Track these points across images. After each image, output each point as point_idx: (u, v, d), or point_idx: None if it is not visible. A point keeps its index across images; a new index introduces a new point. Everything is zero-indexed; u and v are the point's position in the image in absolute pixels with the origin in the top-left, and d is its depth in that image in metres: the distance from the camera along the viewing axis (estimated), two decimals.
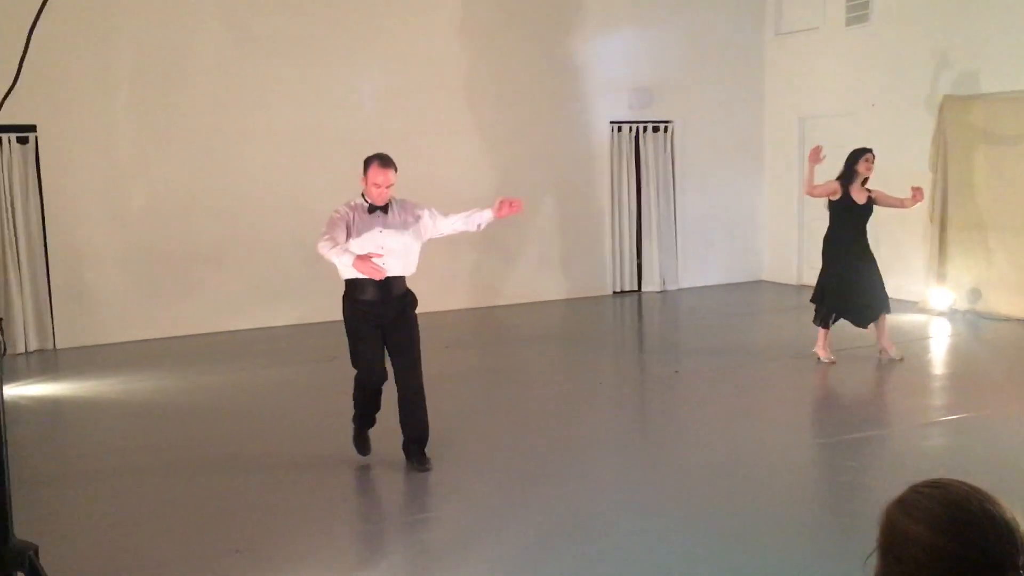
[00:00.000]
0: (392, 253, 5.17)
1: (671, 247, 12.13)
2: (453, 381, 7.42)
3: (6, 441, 2.62)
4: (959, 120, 9.62)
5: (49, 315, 9.21)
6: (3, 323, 8.73)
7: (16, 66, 2.48)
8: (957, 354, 8.43)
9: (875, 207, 7.62)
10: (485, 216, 5.44)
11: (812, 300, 7.92)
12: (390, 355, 5.37)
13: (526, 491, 5.05)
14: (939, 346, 8.71)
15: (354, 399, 5.51)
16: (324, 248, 4.98)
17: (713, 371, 7.79)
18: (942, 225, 9.80)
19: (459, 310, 10.76)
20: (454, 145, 10.76)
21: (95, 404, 7.23)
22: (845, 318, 7.73)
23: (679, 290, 12.08)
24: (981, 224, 9.60)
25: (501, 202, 5.35)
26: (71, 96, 9.12)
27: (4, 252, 8.97)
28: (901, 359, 7.70)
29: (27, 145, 9.04)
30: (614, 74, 11.60)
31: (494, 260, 11.11)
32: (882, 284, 7.67)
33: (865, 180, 7.54)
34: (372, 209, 5.21)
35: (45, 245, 9.19)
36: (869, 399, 7.13)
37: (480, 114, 10.92)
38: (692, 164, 12.19)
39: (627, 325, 11.07)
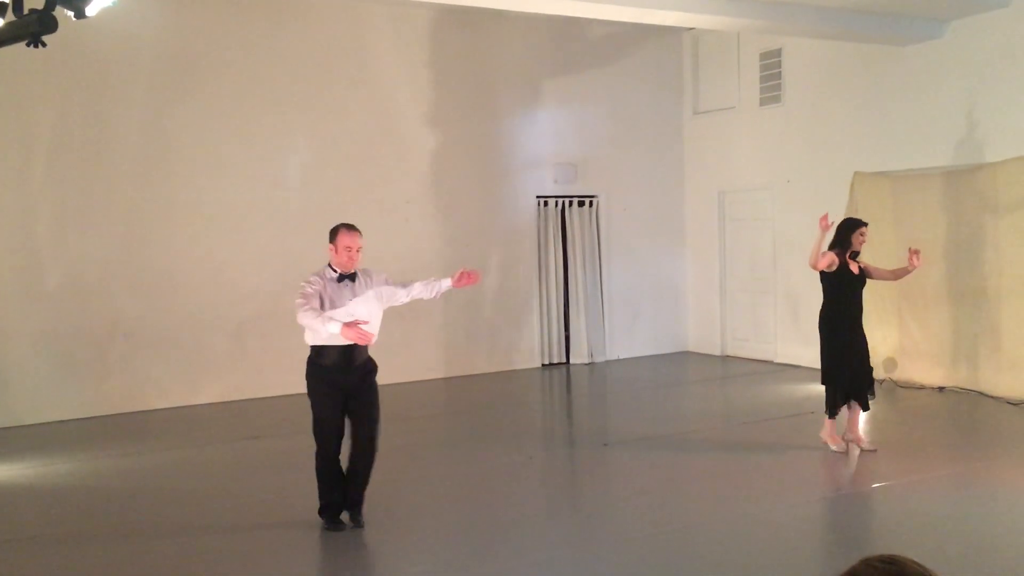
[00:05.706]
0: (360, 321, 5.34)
1: (598, 319, 12.26)
2: (379, 456, 7.29)
3: None
4: (869, 195, 10.02)
5: None
6: None
7: None
8: (876, 423, 8.62)
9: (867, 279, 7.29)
10: (444, 285, 5.67)
11: (823, 382, 7.38)
12: (350, 420, 5.50)
13: (457, 572, 4.96)
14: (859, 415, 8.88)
15: (317, 474, 5.55)
16: (307, 316, 5.10)
17: (641, 443, 7.83)
18: None
19: (386, 385, 10.61)
20: (379, 221, 10.76)
21: (4, 489, 6.91)
22: (852, 396, 7.25)
23: (607, 362, 12.18)
24: (894, 295, 9.93)
25: (461, 273, 5.61)
26: None
27: None
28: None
29: None
30: (540, 150, 11.83)
31: (422, 333, 11.07)
32: (870, 369, 7.35)
33: (856, 253, 7.15)
34: (341, 279, 5.38)
35: None
36: (795, 468, 7.22)
37: (406, 190, 11.00)
38: (617, 237, 12.43)
39: (556, 398, 11.09)
